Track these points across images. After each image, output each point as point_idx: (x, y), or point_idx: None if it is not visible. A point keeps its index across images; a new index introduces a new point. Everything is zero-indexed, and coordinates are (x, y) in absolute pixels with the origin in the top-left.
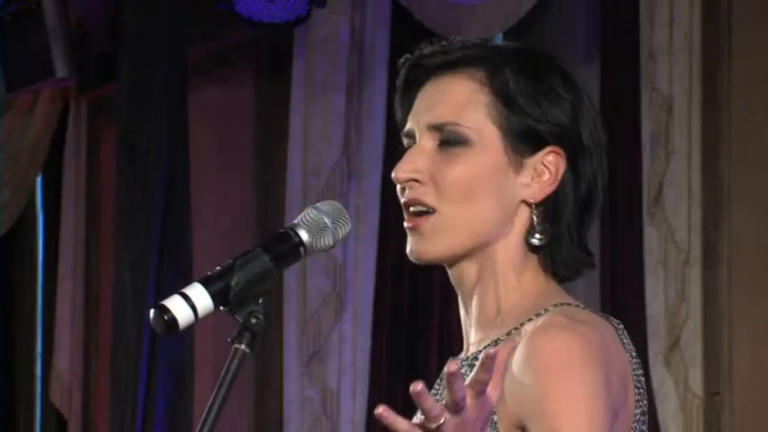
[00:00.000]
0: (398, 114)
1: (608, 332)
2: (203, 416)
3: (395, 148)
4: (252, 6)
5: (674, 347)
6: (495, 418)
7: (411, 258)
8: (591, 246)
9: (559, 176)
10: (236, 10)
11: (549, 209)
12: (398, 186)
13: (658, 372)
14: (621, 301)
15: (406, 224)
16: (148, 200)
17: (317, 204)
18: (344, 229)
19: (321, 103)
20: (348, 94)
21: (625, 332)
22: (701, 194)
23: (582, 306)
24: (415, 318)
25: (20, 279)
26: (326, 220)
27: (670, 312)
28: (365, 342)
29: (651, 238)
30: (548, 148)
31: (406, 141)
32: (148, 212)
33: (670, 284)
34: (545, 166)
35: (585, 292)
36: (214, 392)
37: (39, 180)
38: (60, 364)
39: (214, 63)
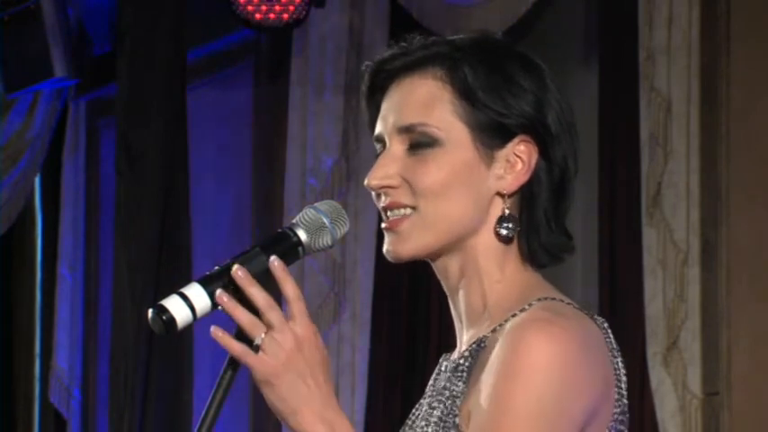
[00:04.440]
0: (367, 120)
1: (591, 329)
2: (202, 416)
3: None
4: (250, 8)
5: (673, 347)
6: (457, 420)
7: (388, 258)
8: (590, 245)
9: (533, 165)
10: (235, 11)
11: (524, 198)
12: (374, 193)
13: (657, 372)
14: (620, 302)
15: (383, 225)
16: (147, 200)
17: (316, 204)
18: (343, 228)
19: (319, 104)
20: (346, 95)
21: (609, 331)
22: (699, 195)
23: (566, 301)
24: (414, 318)
25: (18, 279)
26: (325, 220)
27: (669, 312)
28: (364, 342)
29: (650, 238)
30: (517, 139)
31: (377, 147)
32: (147, 212)
33: (669, 285)
34: (517, 156)
35: (585, 291)
36: (213, 392)
37: (38, 180)
38: (59, 365)
39: (213, 63)
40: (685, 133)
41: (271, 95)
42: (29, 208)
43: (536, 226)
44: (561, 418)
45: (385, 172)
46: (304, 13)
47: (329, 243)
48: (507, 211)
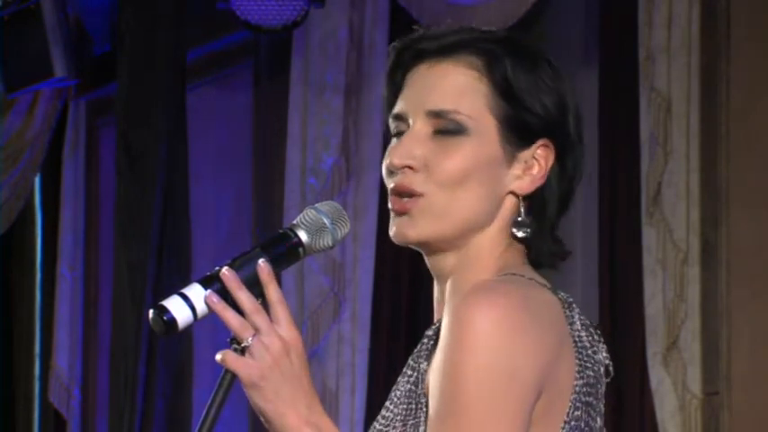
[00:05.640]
0: (385, 96)
1: (543, 297)
2: (202, 417)
3: None
4: (250, 9)
5: (673, 347)
6: (425, 399)
7: (395, 240)
8: (591, 245)
9: (548, 169)
10: (235, 12)
11: (535, 201)
12: (385, 169)
13: (657, 371)
14: (620, 301)
15: (391, 206)
16: (147, 200)
17: (316, 205)
18: (344, 229)
19: (320, 103)
20: (347, 94)
21: (573, 306)
22: (699, 194)
23: (528, 276)
24: (414, 317)
25: (18, 279)
26: (325, 221)
27: (668, 312)
28: (364, 342)
29: (650, 237)
30: (539, 142)
31: (394, 124)
32: (147, 212)
33: (668, 284)
34: (535, 159)
35: (584, 291)
36: (213, 393)
37: (37, 180)
38: (59, 365)
39: (213, 63)
40: (685, 133)
41: (271, 95)
42: (29, 208)
43: (541, 231)
44: (513, 382)
45: (408, 152)
46: (304, 13)
47: (330, 244)
48: (524, 213)
